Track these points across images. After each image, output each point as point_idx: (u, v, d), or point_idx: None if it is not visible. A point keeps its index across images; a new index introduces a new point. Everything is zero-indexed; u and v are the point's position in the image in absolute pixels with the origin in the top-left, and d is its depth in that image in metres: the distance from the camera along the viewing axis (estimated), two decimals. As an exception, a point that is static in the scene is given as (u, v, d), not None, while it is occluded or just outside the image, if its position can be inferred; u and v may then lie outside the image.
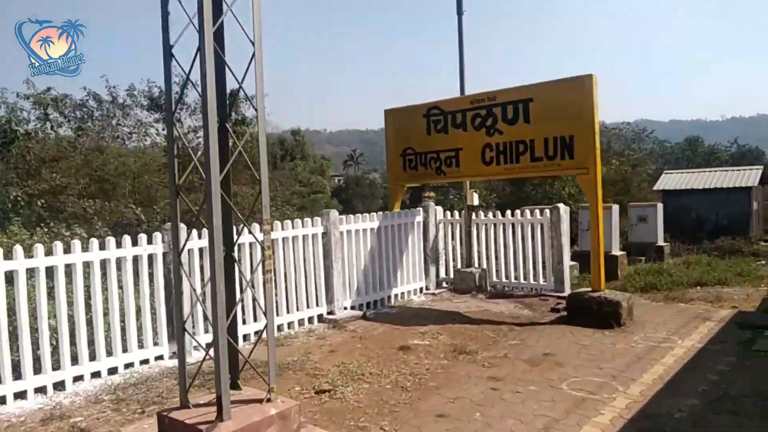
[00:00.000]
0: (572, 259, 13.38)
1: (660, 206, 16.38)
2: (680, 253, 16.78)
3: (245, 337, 6.94)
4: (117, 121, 15.43)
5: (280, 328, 7.31)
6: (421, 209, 9.88)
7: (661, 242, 16.05)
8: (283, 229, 7.43)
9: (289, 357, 6.30)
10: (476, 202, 9.85)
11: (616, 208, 13.80)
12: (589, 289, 7.89)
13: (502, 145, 8.51)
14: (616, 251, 13.23)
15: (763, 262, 15.79)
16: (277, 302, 7.27)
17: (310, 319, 7.74)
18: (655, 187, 19.75)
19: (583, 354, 6.27)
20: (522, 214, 9.68)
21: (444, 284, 10.14)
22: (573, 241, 14.92)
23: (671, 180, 19.95)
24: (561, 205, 9.29)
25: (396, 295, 9.16)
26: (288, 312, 7.48)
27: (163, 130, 16.22)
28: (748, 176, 18.40)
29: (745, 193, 18.13)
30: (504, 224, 9.79)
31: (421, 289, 9.71)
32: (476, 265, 10.02)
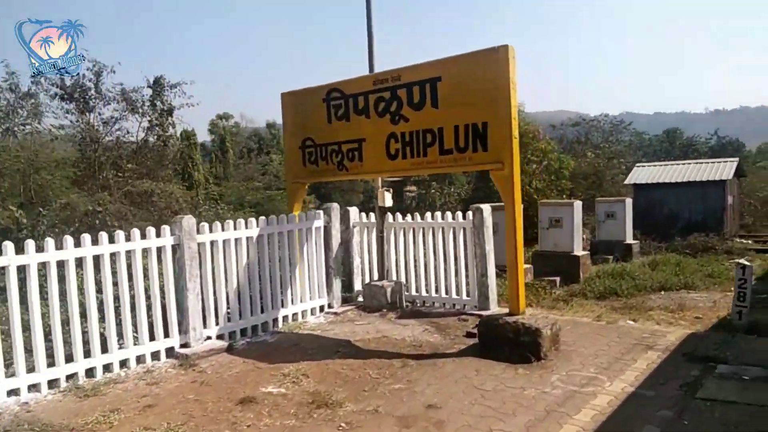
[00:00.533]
0: (529, 261, 12.00)
1: (629, 201, 14.95)
2: (650, 251, 15.44)
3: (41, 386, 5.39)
4: (11, 110, 13.70)
5: (106, 368, 5.74)
6: (321, 212, 8.30)
7: (630, 240, 14.64)
8: (112, 242, 5.84)
9: (80, 418, 4.73)
10: (389, 203, 8.28)
11: (578, 204, 12.34)
12: (507, 311, 6.39)
13: (408, 134, 6.94)
14: (579, 251, 11.81)
15: (737, 260, 14.47)
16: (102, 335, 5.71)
17: (155, 355, 6.13)
18: (626, 181, 18.31)
19: (477, 407, 4.74)
20: (443, 217, 8.16)
21: (358, 299, 8.60)
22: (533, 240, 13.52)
23: (643, 173, 18.51)
24: (485, 206, 7.76)
25: (286, 317, 7.57)
26: (120, 348, 5.89)
27: (74, 121, 14.58)
28: (722, 169, 17.01)
29: (719, 187, 16.74)
30: (423, 228, 8.26)
31: (321, 308, 8.15)
32: (392, 277, 8.49)
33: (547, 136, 18.45)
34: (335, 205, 8.56)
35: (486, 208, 7.72)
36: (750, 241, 16.68)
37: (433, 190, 25.73)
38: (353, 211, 8.76)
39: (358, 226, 8.71)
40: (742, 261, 7.52)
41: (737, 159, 17.71)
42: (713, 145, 45.26)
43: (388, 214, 8.54)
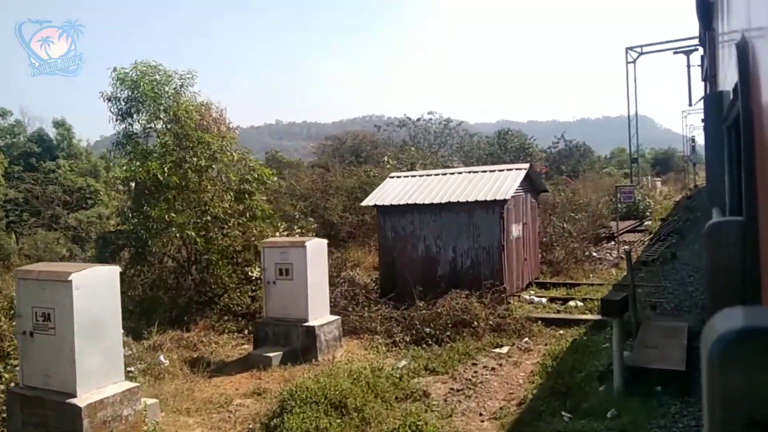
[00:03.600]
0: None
1: (311, 246, 8.59)
2: (365, 332, 9.39)
3: None
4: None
5: None
6: None
7: (315, 320, 8.49)
8: None
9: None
10: None
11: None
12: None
13: None
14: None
15: (506, 348, 8.62)
16: None
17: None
18: (365, 202, 11.96)
19: None
20: None
21: None
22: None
23: (392, 189, 12.33)
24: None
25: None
26: None
27: None
28: (501, 183, 11.22)
29: (493, 212, 10.95)
30: None
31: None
32: None
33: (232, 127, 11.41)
34: None
35: None
36: (544, 299, 11.19)
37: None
38: None
39: None
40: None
41: (527, 165, 11.91)
42: (561, 149, 42.28)
43: None
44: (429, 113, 31.57)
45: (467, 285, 10.38)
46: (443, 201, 10.98)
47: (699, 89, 21.41)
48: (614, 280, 12.64)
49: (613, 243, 18.31)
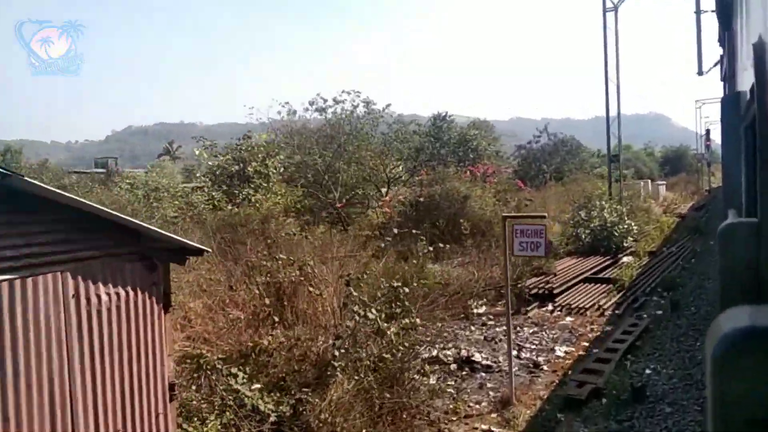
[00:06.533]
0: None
1: None
2: None
3: None
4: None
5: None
6: None
7: None
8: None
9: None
10: None
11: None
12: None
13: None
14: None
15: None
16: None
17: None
18: None
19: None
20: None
21: None
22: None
23: None
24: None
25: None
26: None
27: None
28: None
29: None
30: None
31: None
32: None
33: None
34: None
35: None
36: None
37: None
38: None
39: None
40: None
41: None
42: (545, 145, 38.88)
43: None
44: (344, 92, 24.21)
45: None
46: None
47: (712, 54, 15.13)
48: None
49: (550, 308, 11.24)
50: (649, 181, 38.90)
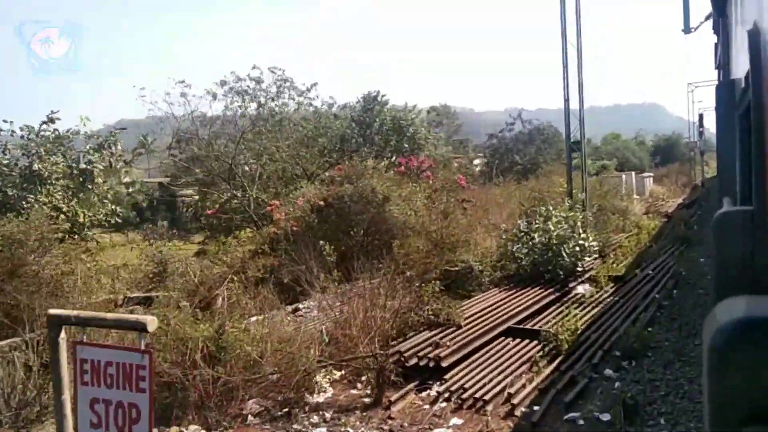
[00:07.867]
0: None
1: None
2: None
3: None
4: None
5: None
6: None
7: None
8: None
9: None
10: None
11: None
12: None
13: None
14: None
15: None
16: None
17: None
18: None
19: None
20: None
21: None
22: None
23: None
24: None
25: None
26: None
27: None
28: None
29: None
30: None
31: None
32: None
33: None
34: None
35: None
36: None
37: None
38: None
39: None
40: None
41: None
42: (519, 134, 35.44)
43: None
44: (254, 67, 21.52)
45: None
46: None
47: (701, 11, 12.08)
48: None
49: (433, 392, 6.48)
50: (633, 173, 33.33)
